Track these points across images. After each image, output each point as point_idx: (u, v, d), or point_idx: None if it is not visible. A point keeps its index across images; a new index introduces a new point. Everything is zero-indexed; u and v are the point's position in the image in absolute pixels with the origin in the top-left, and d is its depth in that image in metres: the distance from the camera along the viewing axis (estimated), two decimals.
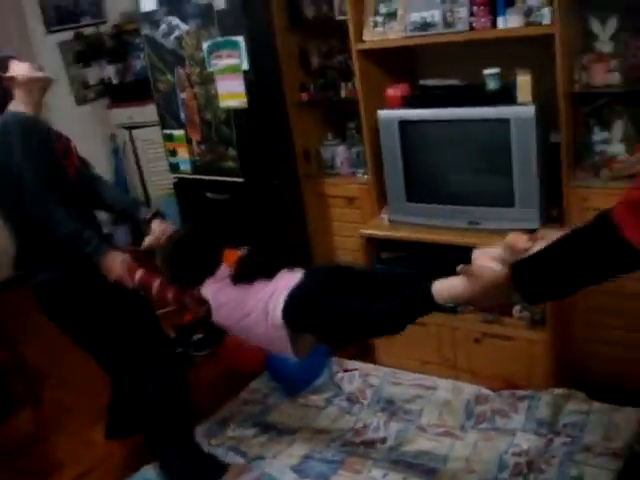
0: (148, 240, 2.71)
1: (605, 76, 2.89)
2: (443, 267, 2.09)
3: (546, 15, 2.83)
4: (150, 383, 2.83)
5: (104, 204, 2.89)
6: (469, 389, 3.31)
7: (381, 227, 3.52)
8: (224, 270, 2.36)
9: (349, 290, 2.25)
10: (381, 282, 2.29)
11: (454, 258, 2.11)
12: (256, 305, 2.29)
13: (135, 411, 2.98)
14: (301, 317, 2.24)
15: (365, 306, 2.18)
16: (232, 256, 2.39)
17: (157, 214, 2.79)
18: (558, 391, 3.13)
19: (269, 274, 2.36)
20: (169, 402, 2.87)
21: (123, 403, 3.11)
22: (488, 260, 1.90)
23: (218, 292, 2.35)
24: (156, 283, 2.48)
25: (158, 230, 2.72)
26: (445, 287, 1.98)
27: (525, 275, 1.74)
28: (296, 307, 2.23)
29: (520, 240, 1.91)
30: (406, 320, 2.11)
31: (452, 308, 3.42)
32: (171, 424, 2.89)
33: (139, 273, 2.53)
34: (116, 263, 2.54)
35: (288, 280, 2.31)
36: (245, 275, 2.35)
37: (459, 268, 1.91)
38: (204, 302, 2.39)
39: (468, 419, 3.15)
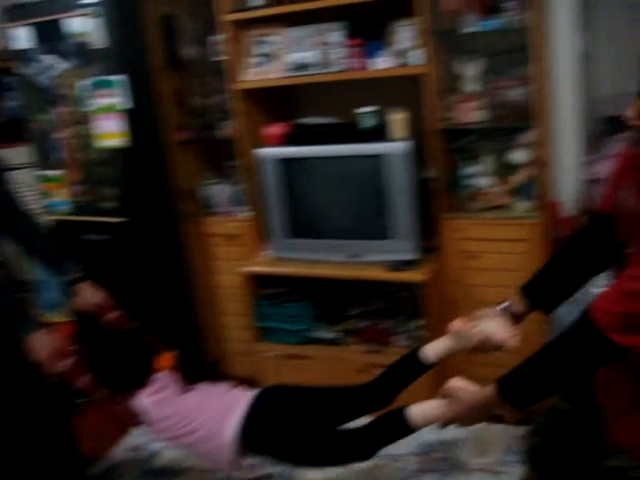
0: (77, 304, 2.60)
1: (472, 114, 3.07)
2: (397, 377, 2.13)
3: (417, 57, 3.00)
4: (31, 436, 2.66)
5: (26, 251, 2.68)
6: None
7: (263, 263, 3.56)
8: (162, 378, 2.27)
9: (309, 411, 2.18)
10: (340, 399, 2.23)
11: (405, 362, 2.12)
12: (204, 422, 2.18)
13: None
14: (261, 443, 2.16)
15: (333, 434, 2.10)
16: (166, 361, 2.30)
17: (85, 277, 2.65)
18: None
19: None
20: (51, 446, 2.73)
21: None
22: (464, 382, 1.84)
23: (160, 404, 2.23)
24: (83, 380, 2.29)
25: (89, 296, 2.60)
26: (422, 412, 1.92)
27: (514, 389, 1.72)
28: (256, 432, 2.15)
29: (460, 324, 1.99)
30: (378, 447, 2.04)
31: (335, 339, 3.49)
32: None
33: (65, 364, 2.32)
34: (43, 345, 2.32)
35: (239, 399, 2.22)
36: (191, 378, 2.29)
37: (440, 392, 1.86)
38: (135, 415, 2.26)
39: None
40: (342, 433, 2.11)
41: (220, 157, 3.83)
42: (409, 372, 2.14)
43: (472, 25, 2.93)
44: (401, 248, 3.22)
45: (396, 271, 3.21)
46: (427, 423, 1.92)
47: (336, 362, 3.46)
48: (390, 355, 3.29)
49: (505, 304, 1.95)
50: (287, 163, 3.34)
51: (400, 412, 1.94)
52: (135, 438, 3.49)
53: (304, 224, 3.44)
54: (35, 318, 2.53)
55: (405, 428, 1.94)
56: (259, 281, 3.59)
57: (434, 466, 2.99)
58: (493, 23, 2.89)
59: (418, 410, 1.92)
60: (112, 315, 2.62)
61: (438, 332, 3.15)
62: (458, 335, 1.99)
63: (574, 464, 1.93)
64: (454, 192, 3.23)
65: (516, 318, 1.93)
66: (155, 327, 3.67)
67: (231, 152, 3.63)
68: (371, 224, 3.28)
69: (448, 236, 3.18)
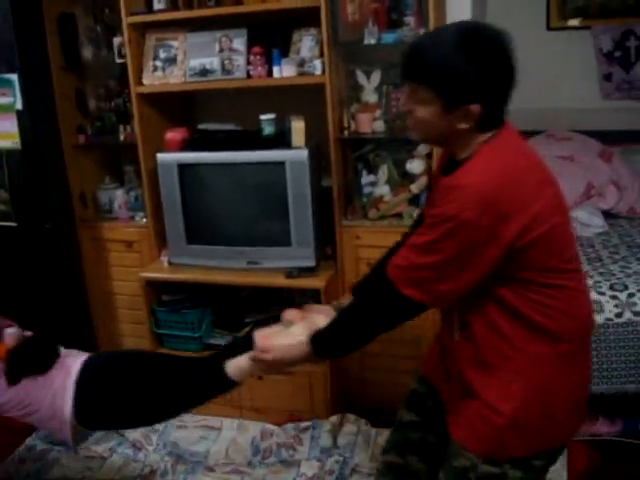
0: None
1: (371, 124, 3.14)
2: (230, 351, 2.24)
3: (318, 66, 3.05)
4: None
5: None
6: (254, 426, 3.37)
7: (161, 270, 3.52)
8: None
9: (138, 376, 2.28)
10: (169, 366, 2.33)
11: (240, 342, 2.23)
12: (40, 403, 2.24)
13: None
14: (94, 413, 2.26)
15: (161, 390, 2.23)
16: None
17: None
18: (335, 417, 3.29)
19: (44, 368, 2.29)
20: None
21: None
22: (275, 338, 2.02)
23: None
24: None
25: None
26: (239, 367, 2.14)
27: (327, 345, 1.91)
28: (88, 403, 2.24)
29: (294, 314, 2.12)
30: (206, 397, 2.26)
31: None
32: None
33: None
34: None
35: (67, 373, 2.27)
36: (18, 372, 2.27)
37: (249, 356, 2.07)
38: None
39: (255, 455, 3.20)
40: (168, 388, 2.24)
41: (119, 161, 3.80)
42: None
43: (372, 37, 3.00)
44: (300, 255, 3.25)
45: (294, 278, 3.25)
46: (244, 376, 2.16)
47: None
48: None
49: (338, 302, 2.17)
50: (186, 168, 3.33)
51: (219, 367, 2.15)
52: (26, 452, 3.39)
53: (203, 230, 3.42)
54: None
55: (227, 381, 2.15)
56: (157, 288, 3.55)
57: None
58: (392, 36, 2.98)
59: (235, 365, 2.14)
60: None
61: None
62: (289, 325, 2.09)
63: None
64: (353, 200, 3.29)
65: None
66: (48, 334, 3.61)
67: (130, 156, 3.60)
68: (270, 231, 3.30)
69: (345, 243, 3.24)
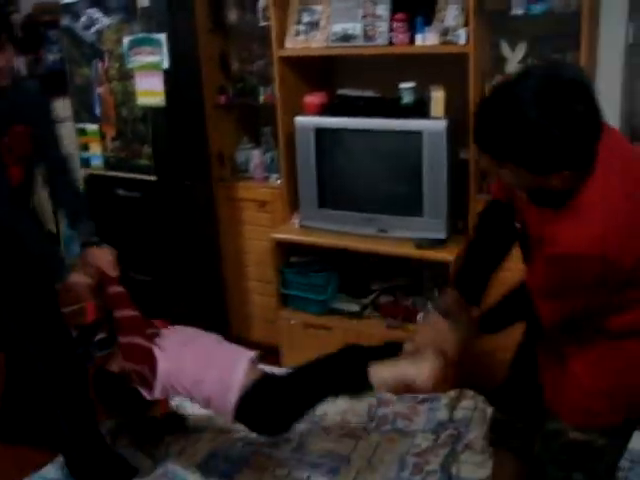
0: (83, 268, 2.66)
1: None
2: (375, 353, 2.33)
3: (462, 35, 2.98)
4: (40, 362, 2.71)
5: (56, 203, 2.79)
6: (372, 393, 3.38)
7: (292, 232, 3.57)
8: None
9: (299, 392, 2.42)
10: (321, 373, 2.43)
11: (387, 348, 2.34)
12: (210, 385, 2.44)
13: (28, 417, 2.91)
14: (252, 419, 2.44)
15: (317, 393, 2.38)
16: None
17: (91, 242, 2.70)
18: (453, 392, 3.28)
19: None
20: (62, 384, 2.78)
21: (15, 405, 3.04)
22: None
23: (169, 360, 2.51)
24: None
25: (96, 262, 2.66)
26: (379, 378, 2.19)
27: (494, 322, 1.97)
28: (249, 413, 2.41)
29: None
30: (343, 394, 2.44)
31: (357, 312, 3.51)
32: (68, 413, 2.81)
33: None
34: (79, 283, 2.57)
35: (232, 366, 2.47)
36: None
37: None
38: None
39: (370, 421, 3.22)
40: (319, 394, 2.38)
41: (257, 123, 3.86)
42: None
43: (519, 7, 2.90)
44: (431, 226, 3.22)
45: (424, 249, 3.22)
46: (384, 390, 2.29)
47: (356, 335, 3.46)
48: (410, 332, 3.35)
49: (442, 301, 2.08)
50: (323, 133, 3.35)
51: (364, 375, 2.19)
52: None
53: (335, 195, 3.44)
54: (68, 264, 2.59)
55: (367, 388, 2.22)
56: (286, 249, 3.61)
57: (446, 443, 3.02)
58: (541, 7, 2.87)
59: (379, 376, 2.19)
60: (113, 289, 2.66)
61: None
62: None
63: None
64: (489, 175, 3.17)
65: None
66: (179, 286, 3.76)
67: (269, 118, 3.64)
68: (403, 200, 3.29)
69: None
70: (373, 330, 3.45)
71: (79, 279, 2.58)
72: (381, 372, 2.18)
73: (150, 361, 2.48)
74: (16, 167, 2.58)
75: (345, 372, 2.29)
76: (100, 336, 4.03)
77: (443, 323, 2.01)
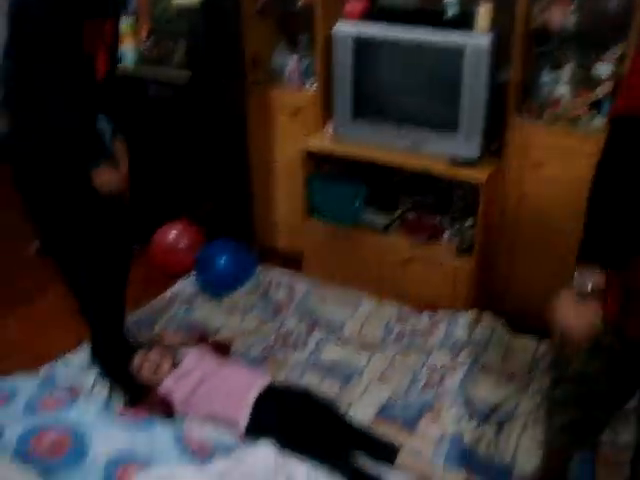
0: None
1: (562, 18, 2.94)
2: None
3: None
4: (84, 273, 2.75)
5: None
6: (391, 308, 3.41)
7: (323, 141, 3.51)
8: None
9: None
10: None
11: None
12: (219, 408, 2.56)
13: None
14: (260, 433, 2.42)
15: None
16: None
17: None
18: (473, 313, 3.28)
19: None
20: (99, 295, 2.82)
21: None
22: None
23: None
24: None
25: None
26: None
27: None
28: (258, 429, 2.46)
29: None
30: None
31: (384, 227, 3.51)
32: (101, 312, 2.87)
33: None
34: (110, 177, 2.55)
35: (249, 385, 2.58)
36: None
37: None
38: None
39: (388, 335, 3.25)
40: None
41: (295, 28, 3.75)
42: None
43: None
44: (465, 145, 3.16)
45: (457, 167, 3.17)
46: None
47: (381, 250, 3.49)
48: (435, 251, 3.35)
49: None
50: (362, 41, 3.25)
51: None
52: (176, 293, 3.60)
53: (370, 106, 3.36)
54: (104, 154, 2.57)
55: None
56: (316, 159, 3.56)
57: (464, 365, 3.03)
58: None
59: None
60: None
61: (485, 234, 3.20)
62: None
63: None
64: (529, 98, 3.14)
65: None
66: (207, 188, 3.74)
67: (307, 24, 3.54)
68: (439, 115, 3.22)
69: (514, 140, 3.11)
70: (398, 246, 3.45)
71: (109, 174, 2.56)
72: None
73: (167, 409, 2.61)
74: (103, 59, 2.53)
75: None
76: None
77: (590, 310, 1.64)
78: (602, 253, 1.62)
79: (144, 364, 2.69)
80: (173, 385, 2.64)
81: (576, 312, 1.63)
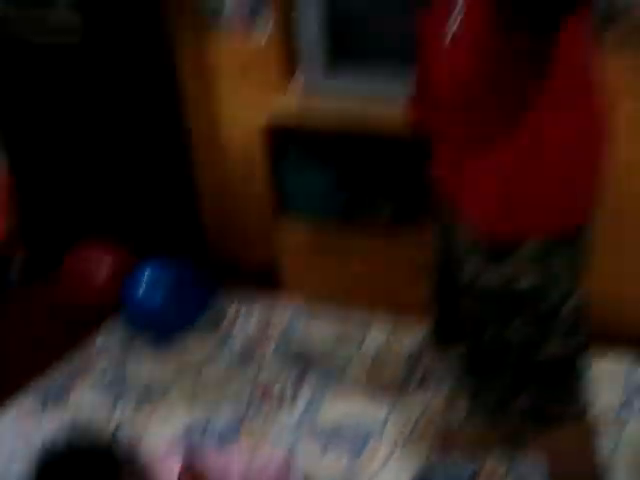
0: None
1: None
2: None
3: None
4: None
5: None
6: (414, 331, 2.65)
7: (289, 106, 2.67)
8: None
9: None
10: None
11: None
12: None
13: None
14: None
15: None
16: None
17: None
18: None
19: None
20: None
21: None
22: None
23: None
24: None
25: None
26: None
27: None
28: None
29: None
30: None
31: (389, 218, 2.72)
32: None
33: None
34: None
35: None
36: None
37: None
38: None
39: (411, 374, 2.55)
40: None
41: None
42: None
43: None
44: None
45: None
46: None
47: (387, 250, 2.72)
48: None
49: None
50: None
51: None
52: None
53: (354, 42, 2.57)
54: None
55: None
56: (283, 131, 2.72)
57: None
58: None
59: None
60: None
61: None
62: None
63: None
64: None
65: None
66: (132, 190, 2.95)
67: None
68: None
69: None
70: (409, 244, 2.64)
71: None
72: None
73: None
74: None
75: None
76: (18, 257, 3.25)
77: None
78: None
79: None
80: None
81: None
